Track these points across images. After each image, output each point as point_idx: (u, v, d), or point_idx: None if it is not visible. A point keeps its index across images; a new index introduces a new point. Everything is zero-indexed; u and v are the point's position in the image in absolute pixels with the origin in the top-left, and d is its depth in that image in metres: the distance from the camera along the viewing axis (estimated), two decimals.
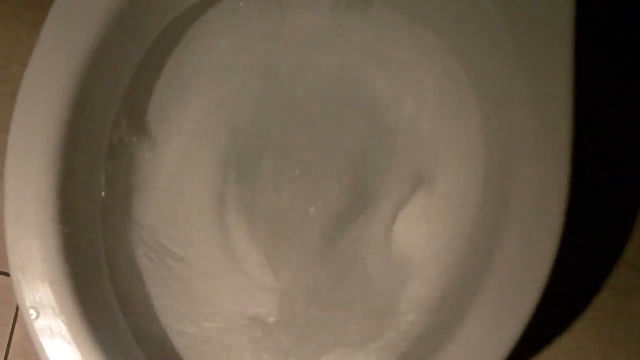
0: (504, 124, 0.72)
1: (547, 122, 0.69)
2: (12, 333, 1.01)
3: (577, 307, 1.05)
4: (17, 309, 0.97)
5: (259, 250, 0.88)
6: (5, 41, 1.06)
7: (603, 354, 1.03)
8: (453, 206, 0.83)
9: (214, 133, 0.89)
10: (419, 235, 0.85)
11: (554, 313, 1.04)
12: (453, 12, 0.78)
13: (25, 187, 0.70)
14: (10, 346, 1.00)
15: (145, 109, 0.85)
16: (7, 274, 0.97)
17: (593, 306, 1.04)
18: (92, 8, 0.72)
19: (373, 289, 0.84)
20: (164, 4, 0.80)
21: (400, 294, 0.83)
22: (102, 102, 0.77)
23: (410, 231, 0.86)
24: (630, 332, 1.03)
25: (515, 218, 0.69)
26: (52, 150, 0.71)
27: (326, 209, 0.88)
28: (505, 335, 0.69)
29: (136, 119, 0.83)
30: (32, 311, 0.68)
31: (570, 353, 1.04)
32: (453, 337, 0.68)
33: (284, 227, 0.88)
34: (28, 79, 0.72)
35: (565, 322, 1.04)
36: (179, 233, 0.85)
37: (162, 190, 0.85)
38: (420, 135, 0.87)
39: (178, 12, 0.81)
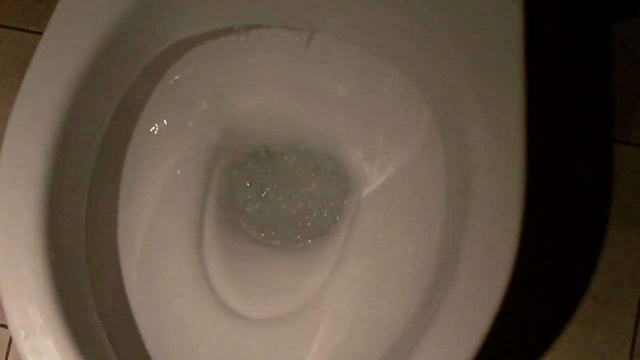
0: (462, 144, 0.75)
1: (502, 140, 0.73)
2: (7, 356, 1.05)
3: (546, 338, 1.08)
4: None
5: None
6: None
7: None
8: (413, 234, 0.87)
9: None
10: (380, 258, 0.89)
11: (524, 345, 1.07)
12: (401, 37, 0.82)
13: (15, 218, 0.74)
14: None
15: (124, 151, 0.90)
16: None
17: (562, 337, 1.07)
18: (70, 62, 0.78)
19: None
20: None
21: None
22: (86, 137, 0.81)
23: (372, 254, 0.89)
24: None
25: (471, 239, 0.71)
26: (39, 180, 0.74)
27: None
28: (459, 354, 0.69)
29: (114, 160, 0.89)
30: (21, 332, 0.71)
31: None
32: (412, 352, 0.69)
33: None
34: (14, 118, 0.76)
35: (535, 353, 1.07)
36: (160, 262, 0.89)
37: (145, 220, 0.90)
38: (379, 159, 0.92)
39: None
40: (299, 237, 1.00)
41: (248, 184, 1.02)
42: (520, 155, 0.73)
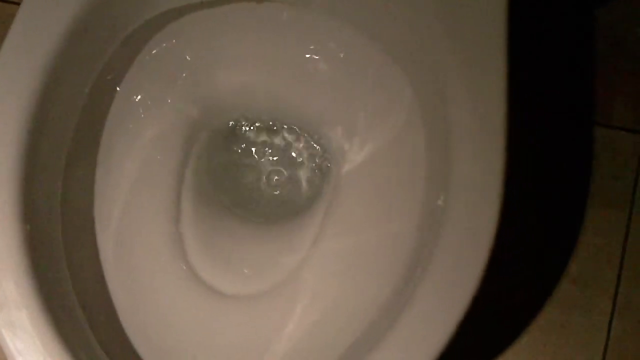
0: (443, 124, 0.75)
1: (483, 118, 0.73)
2: None
3: (525, 321, 1.08)
4: None
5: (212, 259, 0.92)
6: None
7: None
8: (393, 212, 0.86)
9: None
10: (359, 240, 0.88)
11: (503, 327, 1.08)
12: (386, 15, 0.82)
13: None
14: None
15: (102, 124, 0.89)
16: None
17: (540, 320, 1.08)
18: (47, 33, 0.77)
19: None
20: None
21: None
22: (63, 110, 0.80)
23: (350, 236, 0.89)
24: (574, 344, 1.07)
25: (450, 217, 0.71)
26: (14, 152, 0.73)
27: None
28: (437, 332, 0.69)
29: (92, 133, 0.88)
30: None
31: None
32: (381, 341, 0.69)
33: None
34: None
35: (513, 335, 1.08)
36: (137, 236, 0.89)
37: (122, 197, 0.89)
38: (359, 137, 0.92)
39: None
40: (277, 213, 0.99)
41: (227, 160, 1.01)
42: (501, 136, 0.73)
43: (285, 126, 1.01)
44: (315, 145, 1.00)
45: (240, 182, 1.01)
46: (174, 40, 0.90)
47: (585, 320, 1.07)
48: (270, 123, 1.01)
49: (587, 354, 1.06)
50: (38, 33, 0.76)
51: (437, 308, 0.69)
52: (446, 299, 0.69)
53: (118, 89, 0.89)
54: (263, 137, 1.01)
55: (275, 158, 1.01)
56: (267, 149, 1.01)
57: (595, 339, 1.07)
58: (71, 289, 0.77)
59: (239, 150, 1.02)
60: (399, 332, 0.69)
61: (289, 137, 1.01)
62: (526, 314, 1.08)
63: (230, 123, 1.01)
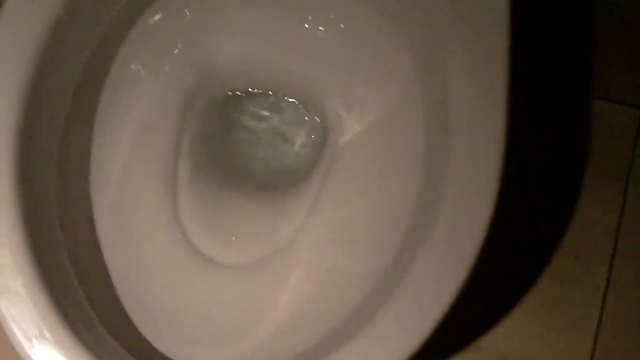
0: (442, 95, 0.74)
1: (484, 90, 0.72)
2: None
3: (518, 293, 1.08)
4: None
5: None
6: None
7: (541, 338, 1.07)
8: (390, 183, 0.86)
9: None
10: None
11: (495, 298, 1.08)
12: None
13: None
14: None
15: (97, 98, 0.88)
16: None
17: (533, 292, 1.08)
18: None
19: None
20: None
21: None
22: (61, 76, 0.80)
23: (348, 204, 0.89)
24: (567, 317, 1.07)
25: (448, 190, 0.71)
26: (12, 116, 0.74)
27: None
28: (433, 305, 0.68)
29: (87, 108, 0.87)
30: None
31: (510, 336, 1.07)
32: (378, 312, 0.69)
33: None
34: None
35: (506, 307, 1.08)
36: (133, 204, 0.88)
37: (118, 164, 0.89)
38: (357, 107, 0.91)
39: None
40: (273, 183, 0.99)
41: (223, 128, 1.00)
42: (501, 107, 0.72)
43: (283, 95, 1.00)
44: (313, 114, 0.99)
45: (236, 151, 1.01)
46: (172, 9, 0.90)
47: (578, 294, 1.07)
48: (269, 92, 1.00)
49: (581, 327, 1.07)
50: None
51: (434, 280, 0.68)
52: (443, 271, 0.68)
53: (116, 57, 0.88)
54: (260, 106, 1.01)
55: (272, 127, 1.01)
56: (264, 118, 1.01)
57: (588, 313, 1.07)
58: (66, 255, 0.77)
59: (236, 119, 1.01)
60: (395, 303, 0.69)
61: (287, 107, 1.00)
62: (518, 286, 1.08)
63: (228, 91, 1.00)
